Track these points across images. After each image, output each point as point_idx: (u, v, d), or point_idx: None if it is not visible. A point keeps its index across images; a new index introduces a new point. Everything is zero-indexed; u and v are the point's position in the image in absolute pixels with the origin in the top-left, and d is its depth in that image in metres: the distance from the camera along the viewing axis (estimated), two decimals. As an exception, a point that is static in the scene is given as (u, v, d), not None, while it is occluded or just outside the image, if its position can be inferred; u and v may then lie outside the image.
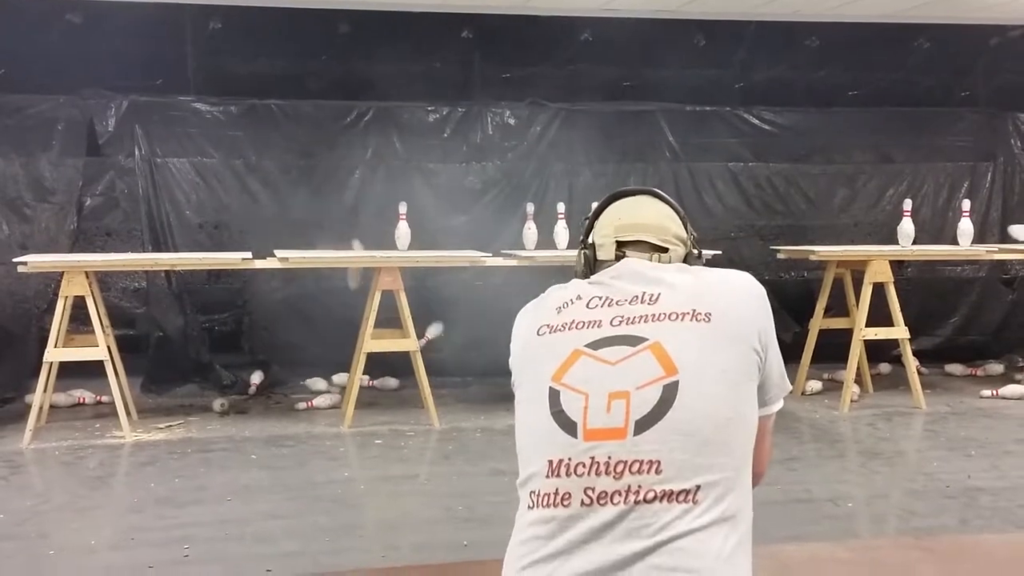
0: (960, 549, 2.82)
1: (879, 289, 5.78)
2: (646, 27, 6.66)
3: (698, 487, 1.48)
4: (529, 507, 1.56)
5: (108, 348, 5.18)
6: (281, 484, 4.38)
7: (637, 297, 1.64)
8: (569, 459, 1.52)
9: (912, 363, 5.97)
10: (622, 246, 1.76)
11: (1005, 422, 5.58)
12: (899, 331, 5.83)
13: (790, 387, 1.78)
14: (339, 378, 6.17)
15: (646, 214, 1.80)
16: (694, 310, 1.60)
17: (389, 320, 5.53)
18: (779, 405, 1.76)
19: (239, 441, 5.15)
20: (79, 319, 5.34)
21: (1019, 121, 7.46)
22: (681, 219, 1.82)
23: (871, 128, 7.33)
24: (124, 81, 6.32)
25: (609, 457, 1.50)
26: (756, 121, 7.20)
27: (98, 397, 5.83)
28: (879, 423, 5.57)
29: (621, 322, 1.61)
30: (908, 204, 6.28)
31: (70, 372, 5.48)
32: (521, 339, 1.73)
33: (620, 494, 1.47)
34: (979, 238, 6.64)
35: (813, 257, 6.12)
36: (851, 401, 5.89)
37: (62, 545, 3.67)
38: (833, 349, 6.15)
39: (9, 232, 6.24)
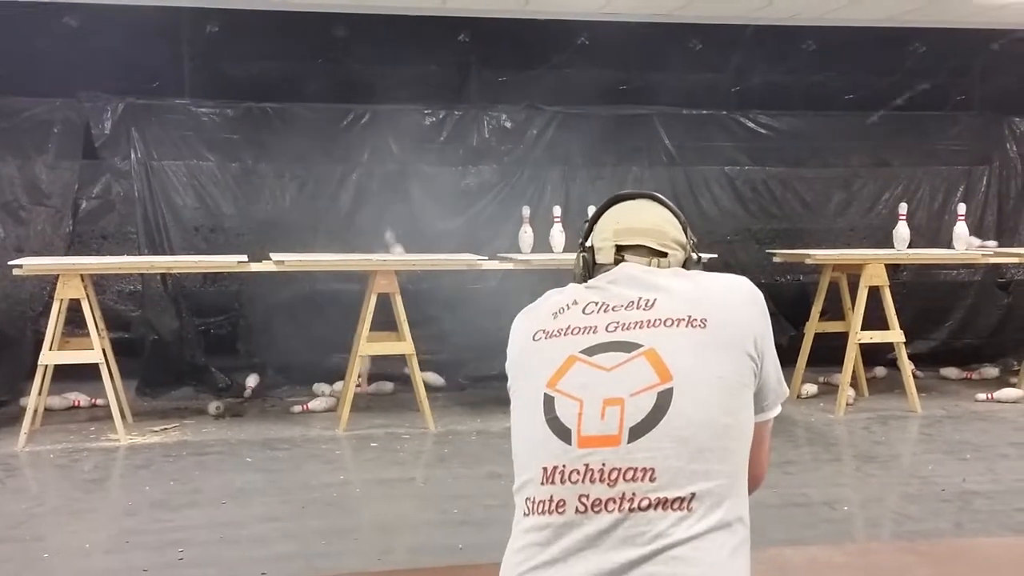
0: (955, 553, 2.83)
1: (875, 293, 5.78)
2: (643, 31, 6.67)
3: (693, 495, 1.47)
4: (525, 514, 1.55)
5: (103, 351, 5.18)
6: (276, 487, 4.37)
7: (633, 303, 1.63)
8: (563, 466, 1.51)
9: (907, 367, 5.97)
10: (621, 250, 1.75)
11: (1000, 426, 5.58)
12: (894, 335, 5.84)
13: (788, 392, 1.77)
14: (337, 386, 6.15)
15: (645, 218, 1.79)
16: (689, 316, 1.59)
17: (385, 323, 5.53)
18: (777, 411, 1.74)
19: (234, 444, 5.14)
20: (74, 322, 5.33)
21: (1014, 125, 7.47)
22: (681, 223, 1.81)
23: (867, 132, 7.34)
24: (120, 84, 6.31)
25: (603, 464, 1.49)
26: (752, 125, 7.20)
27: (93, 400, 5.82)
28: (874, 427, 5.58)
29: (616, 328, 1.60)
30: (904, 208, 6.30)
31: (65, 375, 5.47)
32: (517, 344, 1.72)
33: (614, 502, 1.47)
34: (974, 242, 6.66)
35: (809, 261, 6.13)
36: (847, 405, 5.89)
37: (57, 548, 3.66)
38: (829, 353, 6.16)
39: (4, 235, 6.23)
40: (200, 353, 6.34)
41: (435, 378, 6.33)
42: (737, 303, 1.65)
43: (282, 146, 6.56)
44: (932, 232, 7.19)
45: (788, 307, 6.65)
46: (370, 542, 3.76)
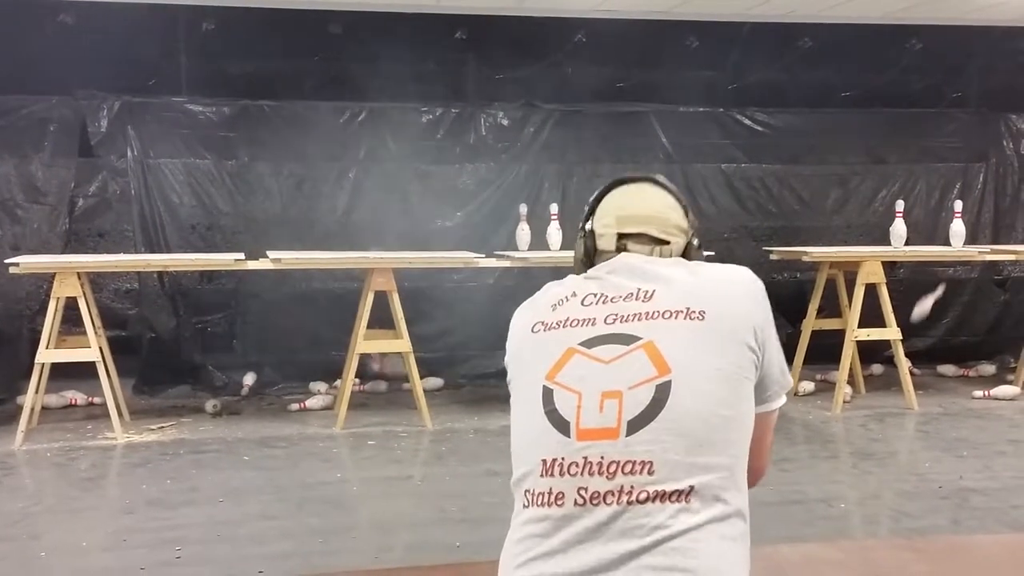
0: (952, 550, 2.82)
1: (871, 290, 5.79)
2: (640, 28, 6.67)
3: (691, 488, 1.47)
4: (524, 506, 1.55)
5: (100, 349, 5.17)
6: (274, 485, 4.37)
7: (632, 294, 1.63)
8: (562, 459, 1.51)
9: (904, 364, 5.98)
10: (623, 238, 1.73)
11: (997, 423, 5.59)
12: (891, 332, 5.84)
13: (791, 383, 1.76)
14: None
15: (648, 205, 1.77)
16: (688, 308, 1.59)
17: (382, 321, 5.53)
18: (781, 402, 1.73)
19: (231, 442, 5.14)
20: (71, 320, 5.32)
21: (1011, 122, 7.47)
22: (683, 207, 1.79)
23: (864, 129, 7.34)
24: (117, 82, 6.30)
25: (602, 457, 1.49)
26: (749, 122, 7.20)
27: (90, 398, 5.82)
28: (871, 424, 5.58)
29: (615, 320, 1.60)
30: (900, 205, 6.31)
31: (62, 373, 5.48)
32: (516, 337, 1.72)
33: (613, 494, 1.47)
34: (971, 239, 6.66)
35: (806, 258, 6.13)
36: (844, 402, 5.90)
37: (54, 546, 3.66)
38: (825, 350, 6.17)
39: (1, 233, 6.22)
40: (197, 351, 6.34)
41: (435, 382, 6.34)
42: (736, 294, 1.64)
43: (279, 144, 6.55)
44: (929, 229, 7.20)
45: (785, 304, 6.62)
46: (368, 540, 3.76)
